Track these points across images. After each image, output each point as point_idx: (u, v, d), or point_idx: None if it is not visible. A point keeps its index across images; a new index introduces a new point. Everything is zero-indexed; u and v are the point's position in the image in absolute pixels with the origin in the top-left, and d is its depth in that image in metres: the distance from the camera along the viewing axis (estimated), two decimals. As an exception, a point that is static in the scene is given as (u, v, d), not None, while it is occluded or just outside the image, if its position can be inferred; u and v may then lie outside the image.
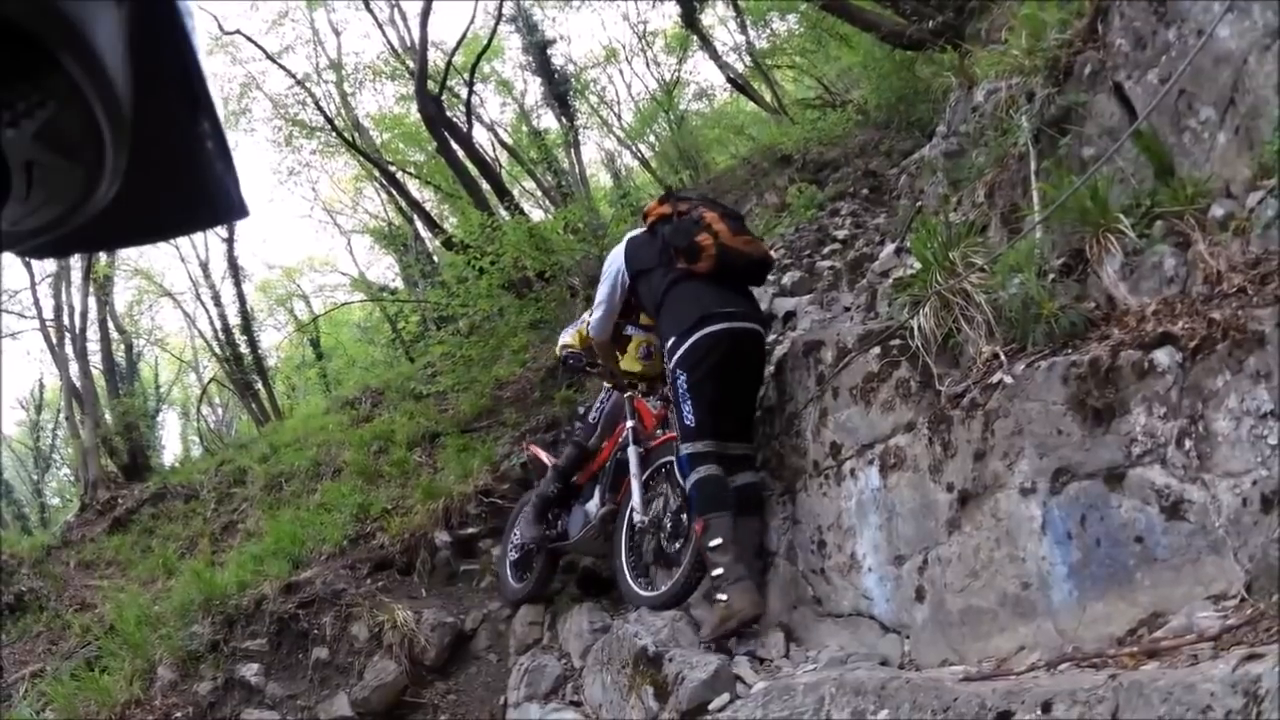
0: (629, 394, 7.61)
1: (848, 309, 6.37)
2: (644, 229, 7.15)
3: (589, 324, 7.62)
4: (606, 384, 8.15)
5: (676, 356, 6.36)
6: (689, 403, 6.26)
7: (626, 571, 7.01)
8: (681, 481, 6.40)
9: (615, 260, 7.22)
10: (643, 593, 6.71)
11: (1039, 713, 2.97)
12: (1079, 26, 5.12)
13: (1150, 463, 3.72)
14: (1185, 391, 3.62)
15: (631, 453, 7.13)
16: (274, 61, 22.75)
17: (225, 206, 1.16)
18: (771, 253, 7.46)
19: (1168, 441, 3.65)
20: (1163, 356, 3.71)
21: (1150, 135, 4.38)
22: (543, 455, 8.99)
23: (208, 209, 1.18)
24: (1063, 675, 3.34)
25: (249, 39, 22.73)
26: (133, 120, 0.92)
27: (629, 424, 7.39)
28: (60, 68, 0.83)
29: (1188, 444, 3.58)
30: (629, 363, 8.06)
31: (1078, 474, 4.00)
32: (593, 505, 7.66)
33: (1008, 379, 4.35)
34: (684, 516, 6.58)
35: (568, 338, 8.30)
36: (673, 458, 6.75)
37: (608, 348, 7.71)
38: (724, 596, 5.68)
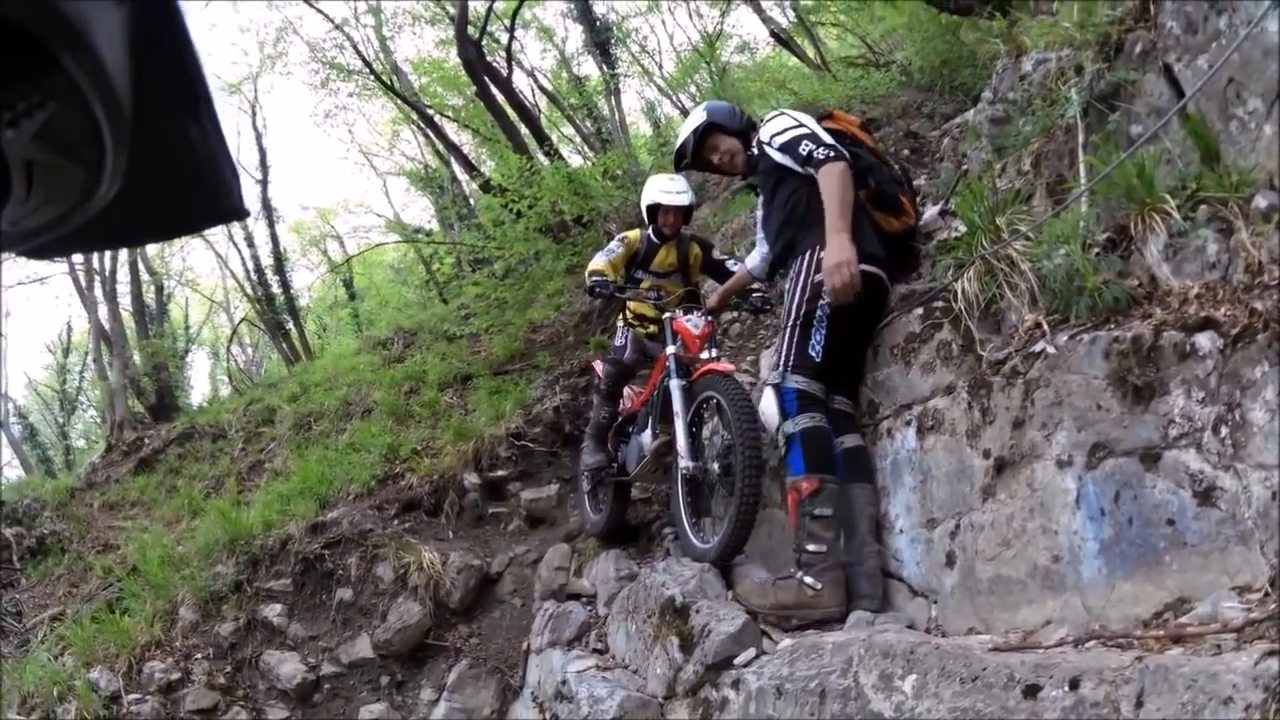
0: (667, 315, 7.17)
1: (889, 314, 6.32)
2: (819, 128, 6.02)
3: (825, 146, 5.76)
4: (616, 295, 7.89)
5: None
6: (824, 330, 5.47)
7: (685, 518, 6.47)
8: (779, 419, 5.46)
9: (814, 122, 6.03)
10: (696, 543, 6.25)
11: (1066, 689, 2.99)
12: (1131, 5, 5.06)
13: (1186, 446, 3.71)
14: (1224, 378, 3.61)
15: (674, 387, 6.74)
16: (311, 6, 22.57)
17: (225, 206, 1.18)
18: None
19: (1204, 426, 3.65)
20: (1204, 340, 3.70)
21: (1198, 120, 4.35)
22: (598, 368, 8.67)
23: (207, 209, 1.21)
24: (1090, 653, 3.35)
25: (286, -17, 22.59)
26: (133, 120, 0.94)
27: (670, 350, 6.97)
28: (60, 68, 0.84)
29: (1223, 431, 3.57)
30: (638, 304, 8.04)
31: (1115, 450, 4.00)
32: (646, 437, 7.30)
33: (1050, 349, 4.35)
34: (732, 459, 5.93)
35: (600, 263, 7.90)
36: (714, 393, 6.27)
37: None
38: (815, 584, 5.05)
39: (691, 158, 6.86)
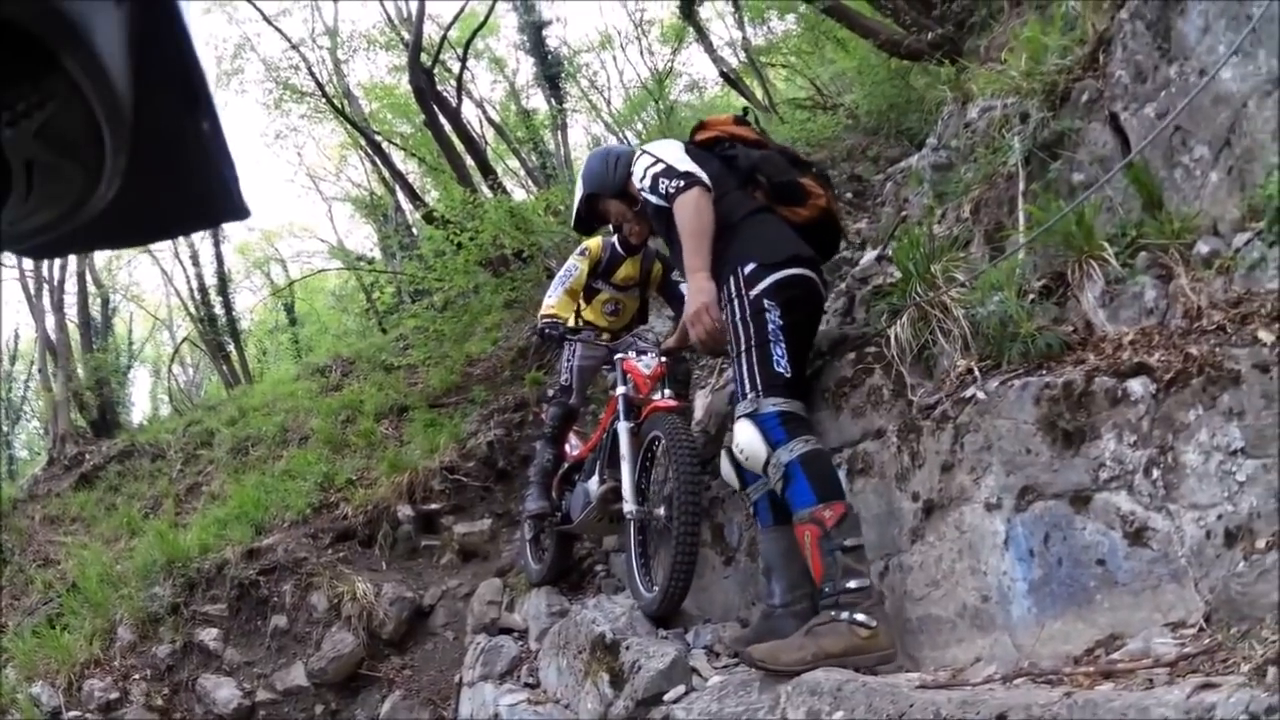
0: (618, 356, 6.79)
1: (824, 312, 6.28)
2: (693, 143, 5.78)
3: (696, 187, 5.23)
4: (568, 339, 7.43)
5: (764, 285, 4.92)
6: (781, 344, 4.82)
7: (635, 567, 6.18)
8: (766, 450, 4.66)
9: (675, 150, 5.59)
10: (644, 592, 5.95)
11: (992, 725, 3.01)
12: (1080, 54, 5.13)
13: (1117, 488, 3.75)
14: (1156, 422, 3.66)
15: (622, 429, 6.43)
16: (270, 24, 22.58)
17: (225, 206, 1.17)
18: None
19: (1136, 469, 3.69)
20: (1137, 386, 3.75)
21: (1141, 168, 4.41)
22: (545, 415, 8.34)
23: (208, 209, 1.20)
24: (1018, 689, 3.36)
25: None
26: (133, 120, 0.93)
27: (620, 391, 6.61)
28: (60, 68, 0.84)
29: (1155, 473, 3.61)
30: (592, 314, 7.83)
31: (1044, 493, 4.03)
32: (593, 483, 6.89)
33: (980, 394, 4.37)
34: (675, 502, 5.64)
35: (553, 303, 7.46)
36: (658, 432, 6.05)
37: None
38: (870, 621, 4.24)
39: (588, 225, 6.88)
